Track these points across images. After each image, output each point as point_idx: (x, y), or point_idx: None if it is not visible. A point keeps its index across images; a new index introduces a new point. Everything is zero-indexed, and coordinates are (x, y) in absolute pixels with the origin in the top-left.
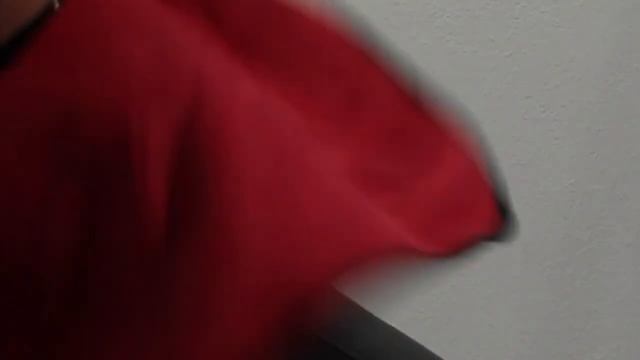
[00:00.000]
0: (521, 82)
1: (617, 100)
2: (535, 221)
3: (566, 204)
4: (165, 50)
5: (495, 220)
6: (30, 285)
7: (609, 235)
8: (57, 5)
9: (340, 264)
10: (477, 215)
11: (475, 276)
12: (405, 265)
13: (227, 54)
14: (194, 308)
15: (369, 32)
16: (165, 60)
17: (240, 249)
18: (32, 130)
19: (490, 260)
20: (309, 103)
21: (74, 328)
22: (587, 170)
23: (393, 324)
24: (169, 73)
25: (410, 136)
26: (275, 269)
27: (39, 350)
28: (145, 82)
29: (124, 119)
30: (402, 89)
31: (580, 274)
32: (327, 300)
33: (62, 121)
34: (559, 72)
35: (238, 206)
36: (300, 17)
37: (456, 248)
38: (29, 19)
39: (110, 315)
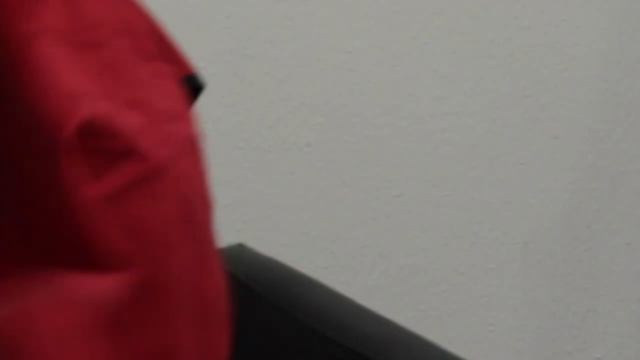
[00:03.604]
0: (521, 82)
1: (616, 100)
2: (535, 220)
3: (565, 202)
4: None
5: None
6: None
7: (608, 234)
8: None
9: None
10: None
11: (475, 275)
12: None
13: None
14: None
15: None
16: None
17: None
18: None
19: (490, 259)
20: None
21: None
22: (586, 169)
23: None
24: None
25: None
26: None
27: None
28: None
29: None
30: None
31: (580, 273)
32: None
33: None
34: (559, 72)
35: None
36: None
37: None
38: None
39: None
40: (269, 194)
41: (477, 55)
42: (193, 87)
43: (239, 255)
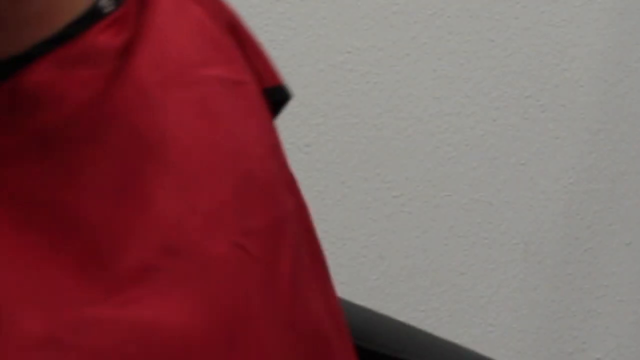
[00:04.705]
0: (521, 82)
1: (616, 100)
2: (535, 221)
3: (566, 203)
4: None
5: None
6: None
7: (608, 235)
8: (107, 9)
9: None
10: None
11: (475, 276)
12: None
13: None
14: None
15: None
16: None
17: None
18: None
19: (490, 259)
20: None
21: None
22: (586, 169)
23: None
24: None
25: None
26: None
27: None
28: None
29: None
30: None
31: (580, 273)
32: None
33: None
34: (559, 72)
35: None
36: None
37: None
38: (57, 27)
39: None
40: None
41: (477, 55)
42: (277, 99)
43: None
